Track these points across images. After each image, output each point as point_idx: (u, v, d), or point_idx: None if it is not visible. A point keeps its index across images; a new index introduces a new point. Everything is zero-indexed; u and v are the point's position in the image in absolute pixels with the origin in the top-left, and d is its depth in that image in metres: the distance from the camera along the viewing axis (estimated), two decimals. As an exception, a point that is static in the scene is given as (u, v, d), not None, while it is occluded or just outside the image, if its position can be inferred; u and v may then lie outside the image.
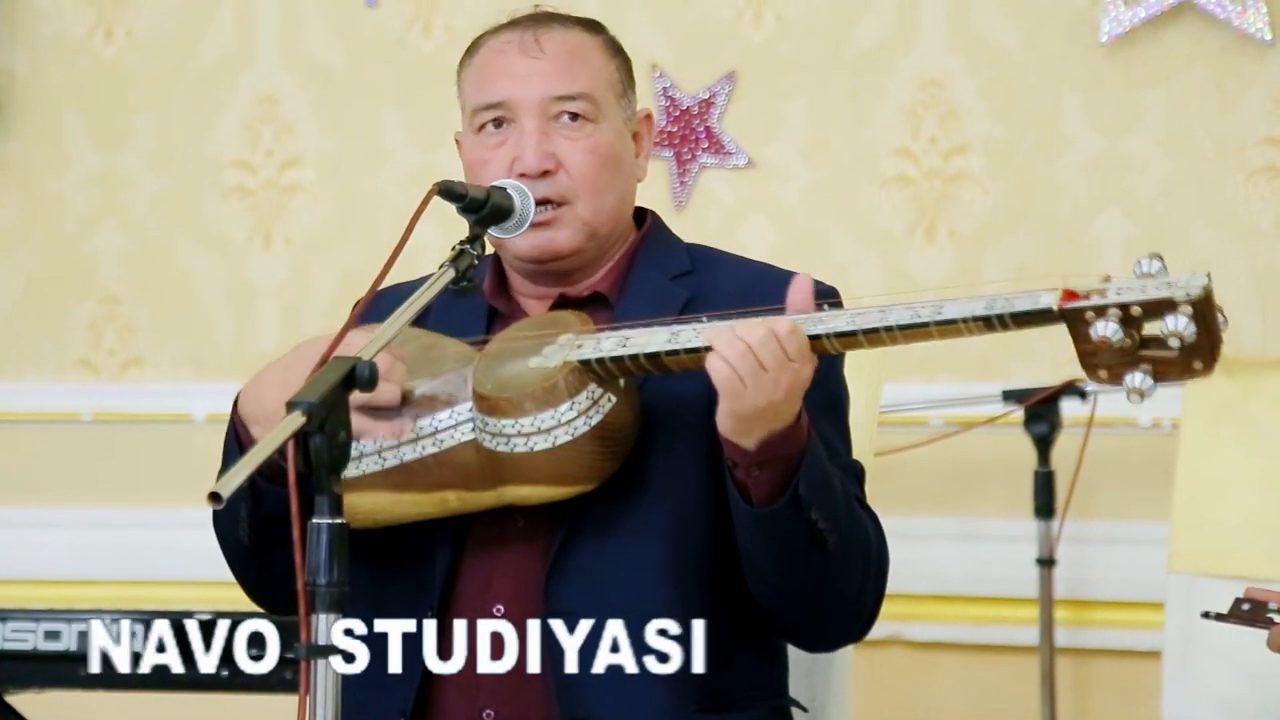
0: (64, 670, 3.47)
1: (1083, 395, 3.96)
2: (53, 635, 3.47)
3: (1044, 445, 4.00)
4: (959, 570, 4.17)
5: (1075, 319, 2.20)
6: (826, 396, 2.55)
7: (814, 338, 2.33)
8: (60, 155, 4.64)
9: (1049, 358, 4.10)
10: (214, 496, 2.04)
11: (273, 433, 2.11)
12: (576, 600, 2.48)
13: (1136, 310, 2.17)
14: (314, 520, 2.13)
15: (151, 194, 4.61)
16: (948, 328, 2.28)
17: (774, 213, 4.31)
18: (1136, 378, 2.19)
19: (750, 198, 4.33)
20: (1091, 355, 2.21)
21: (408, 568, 2.55)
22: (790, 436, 2.36)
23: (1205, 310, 2.16)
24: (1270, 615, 2.59)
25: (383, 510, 2.50)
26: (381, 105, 4.51)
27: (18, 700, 3.66)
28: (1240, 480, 3.44)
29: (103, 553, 4.51)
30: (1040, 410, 3.99)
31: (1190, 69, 4.11)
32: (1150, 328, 2.18)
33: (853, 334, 2.32)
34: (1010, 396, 4.01)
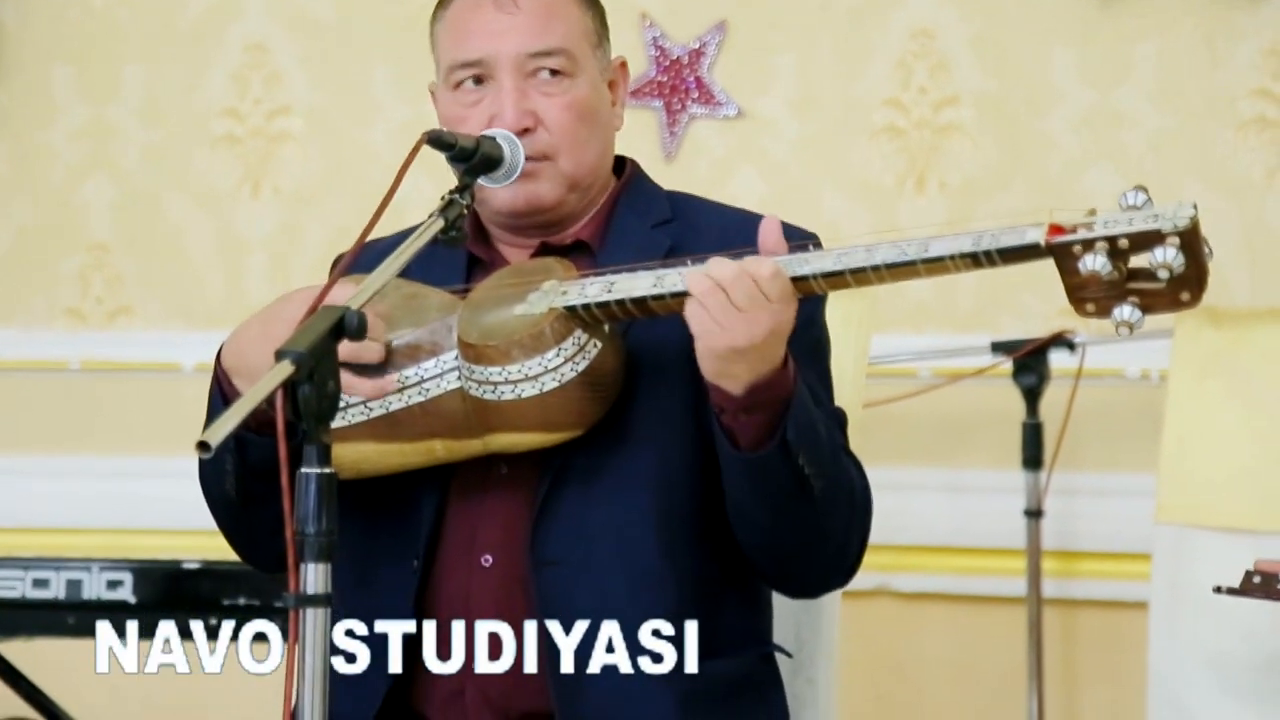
0: (52, 618, 3.48)
1: (1071, 347, 3.97)
2: (41, 583, 3.48)
3: (1032, 397, 4.01)
4: (947, 521, 4.18)
5: (1063, 253, 2.20)
6: (809, 342, 2.55)
7: (800, 279, 2.33)
8: (49, 106, 4.63)
9: (1037, 310, 4.11)
10: (202, 445, 2.04)
11: (261, 382, 2.11)
12: (562, 549, 2.49)
13: (1124, 243, 2.17)
14: (302, 469, 2.13)
15: (140, 145, 4.60)
16: (935, 265, 2.27)
17: (764, 164, 4.31)
18: (1125, 310, 2.19)
19: (740, 148, 4.32)
20: (1079, 289, 2.20)
21: (393, 518, 2.55)
22: (777, 381, 2.37)
23: (1192, 241, 2.16)
24: None
25: (368, 460, 2.50)
26: (371, 55, 4.50)
27: (6, 648, 3.67)
28: (1228, 431, 3.44)
29: (91, 501, 4.52)
30: (1029, 362, 3.99)
31: (1181, 22, 4.11)
32: (1137, 260, 2.18)
33: (840, 273, 2.31)
34: (999, 348, 4.02)
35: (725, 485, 2.47)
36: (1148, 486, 3.55)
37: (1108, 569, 4.08)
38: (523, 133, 2.55)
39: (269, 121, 4.55)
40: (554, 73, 2.58)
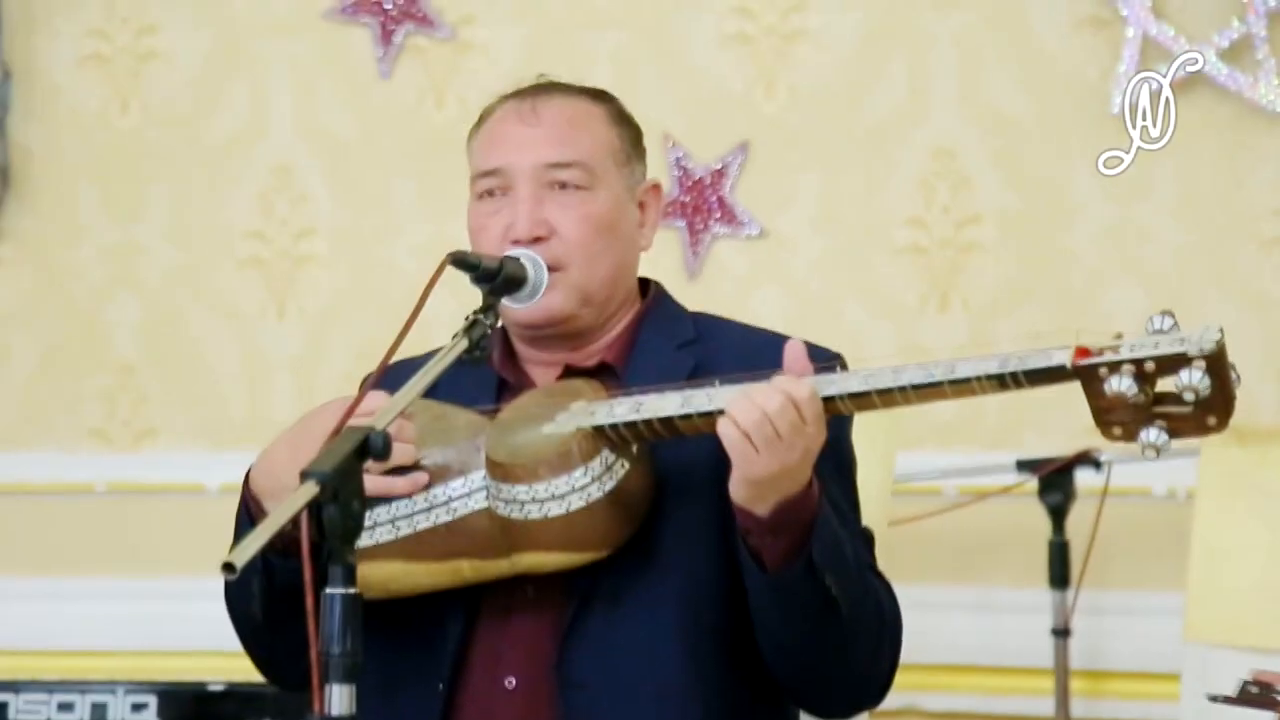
0: (77, 741, 3.47)
1: (1097, 465, 3.95)
2: (66, 707, 3.47)
3: (1058, 515, 3.99)
4: (974, 640, 4.16)
5: (1089, 376, 2.21)
6: (837, 462, 2.55)
7: (827, 399, 2.33)
8: (75, 227, 4.66)
9: (1063, 427, 4.10)
10: (228, 567, 2.04)
11: (286, 503, 2.11)
12: (589, 672, 2.47)
13: (1150, 366, 2.18)
14: (327, 590, 2.13)
15: (166, 265, 4.62)
16: (961, 386, 2.28)
17: (786, 282, 4.32)
18: (1151, 434, 2.19)
19: (763, 267, 4.33)
20: (1106, 413, 2.21)
21: (419, 638, 2.54)
22: (803, 502, 2.37)
23: (1218, 365, 2.17)
24: (1276, 696, 2.57)
25: (395, 580, 2.49)
26: (394, 176, 4.52)
27: (31, 771, 3.66)
28: (1255, 550, 3.42)
29: (116, 623, 4.50)
30: (1054, 480, 3.97)
31: (1202, 140, 4.12)
32: (1164, 384, 2.19)
33: (866, 394, 2.32)
34: (1024, 466, 4.00)
35: (751, 607, 2.45)
36: (1176, 605, 3.53)
37: (1136, 689, 4.05)
38: (535, 241, 2.56)
39: (294, 244, 4.57)
40: (572, 186, 2.59)
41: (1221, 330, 2.18)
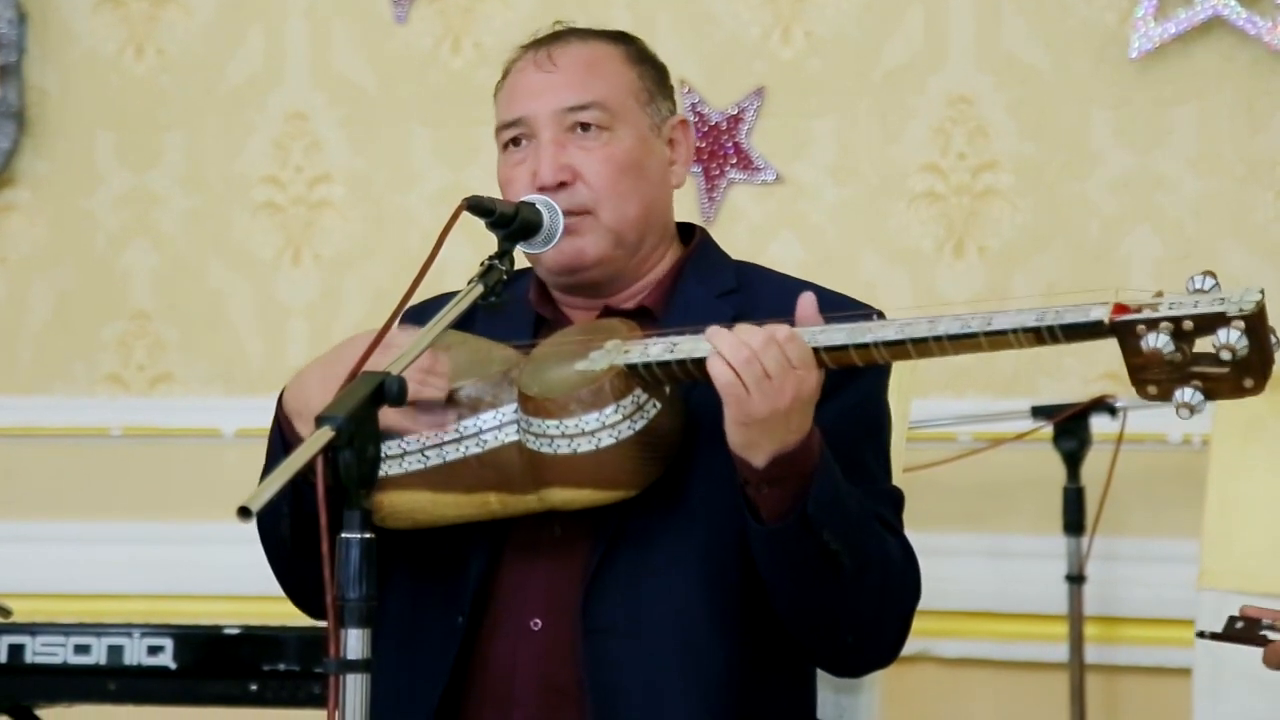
0: (93, 684, 3.48)
1: (1112, 411, 3.95)
2: (82, 649, 3.48)
3: (1073, 461, 3.99)
4: (988, 586, 4.16)
5: (1126, 332, 2.20)
6: (868, 420, 2.54)
7: (861, 347, 2.32)
8: (91, 173, 4.66)
9: (1078, 374, 4.10)
10: (243, 511, 2.05)
11: (302, 447, 2.12)
12: (613, 615, 2.47)
13: (1188, 324, 2.17)
14: (343, 535, 2.13)
15: (181, 211, 4.63)
16: (997, 339, 2.27)
17: (802, 229, 4.32)
18: (1186, 393, 2.18)
19: (778, 214, 4.33)
20: (1141, 370, 2.20)
21: (442, 572, 2.54)
22: (801, 455, 2.36)
23: (1257, 325, 2.16)
24: (1263, 632, 2.57)
25: (422, 510, 2.49)
26: (410, 123, 4.52)
27: (47, 714, 3.67)
28: (1270, 497, 3.42)
29: (132, 567, 4.52)
30: (1070, 426, 3.97)
31: (1220, 86, 4.10)
32: (1202, 344, 2.17)
33: (901, 343, 2.31)
34: (1039, 413, 4.00)
35: (754, 557, 2.45)
36: (1190, 552, 3.53)
37: (1151, 635, 4.06)
38: (560, 186, 2.56)
39: (310, 190, 4.57)
40: (594, 127, 2.59)
41: (1262, 291, 2.17)
